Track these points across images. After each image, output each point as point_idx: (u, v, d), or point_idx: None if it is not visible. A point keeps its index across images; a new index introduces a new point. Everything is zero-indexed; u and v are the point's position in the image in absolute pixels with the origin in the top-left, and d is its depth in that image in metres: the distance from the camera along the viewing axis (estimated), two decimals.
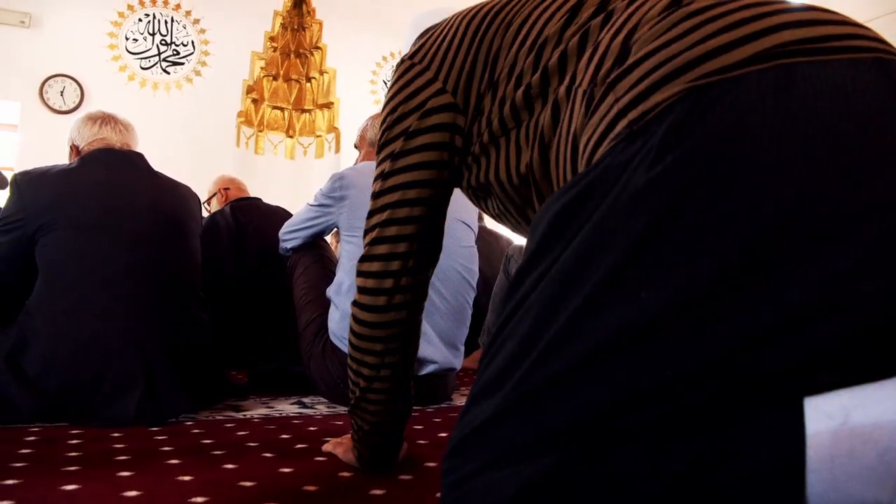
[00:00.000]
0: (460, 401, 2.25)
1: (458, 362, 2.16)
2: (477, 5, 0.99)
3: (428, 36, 1.04)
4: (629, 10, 0.74)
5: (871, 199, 0.54)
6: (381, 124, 1.03)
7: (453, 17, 1.01)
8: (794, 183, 0.55)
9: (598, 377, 0.58)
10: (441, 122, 0.95)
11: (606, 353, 0.58)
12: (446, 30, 0.99)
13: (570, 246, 0.63)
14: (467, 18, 0.96)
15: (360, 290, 1.07)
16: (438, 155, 0.97)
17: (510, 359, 0.65)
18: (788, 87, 0.57)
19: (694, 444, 0.54)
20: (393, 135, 1.01)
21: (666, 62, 0.64)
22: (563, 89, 0.77)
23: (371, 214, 1.06)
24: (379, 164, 1.04)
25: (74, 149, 2.15)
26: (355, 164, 2.33)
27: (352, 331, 1.11)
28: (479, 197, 1.03)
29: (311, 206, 2.22)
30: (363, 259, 1.06)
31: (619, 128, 0.64)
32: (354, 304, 1.10)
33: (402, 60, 1.04)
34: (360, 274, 1.07)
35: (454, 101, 0.94)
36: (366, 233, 1.06)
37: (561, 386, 0.59)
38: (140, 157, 2.11)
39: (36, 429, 1.65)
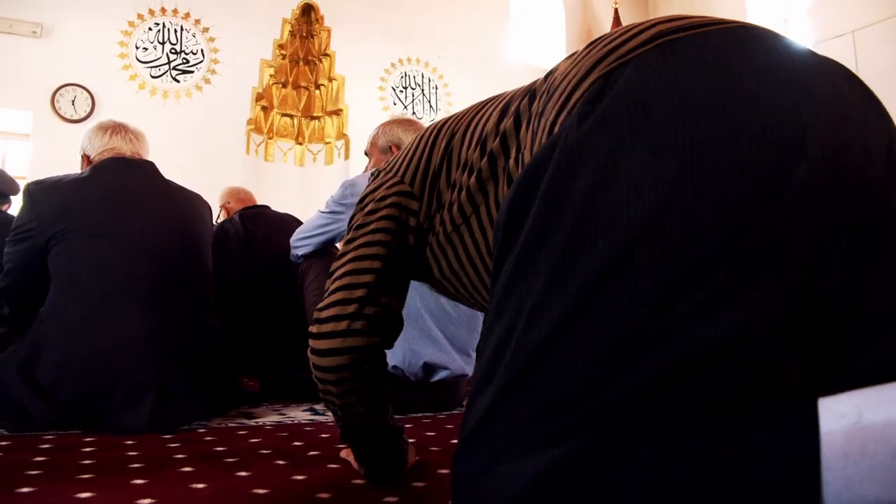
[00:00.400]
0: None
1: (469, 369, 2.15)
2: (433, 123, 1.13)
3: (396, 153, 1.18)
4: (549, 81, 0.82)
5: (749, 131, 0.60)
6: (350, 220, 1.13)
7: (417, 135, 1.15)
8: (689, 129, 0.61)
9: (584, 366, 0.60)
10: (395, 202, 1.06)
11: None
12: (410, 144, 1.13)
13: (525, 226, 0.67)
14: (426, 133, 1.11)
15: (315, 335, 1.08)
16: (389, 223, 1.05)
17: (495, 351, 0.67)
18: (673, 52, 0.67)
19: (710, 441, 0.54)
20: (356, 220, 1.11)
21: (578, 66, 0.75)
22: (511, 162, 0.86)
23: (331, 278, 1.10)
24: (341, 254, 1.11)
25: (86, 158, 2.16)
26: (366, 170, 2.33)
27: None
28: (452, 287, 1.09)
29: (323, 213, 2.23)
30: (321, 307, 1.09)
31: (552, 133, 0.73)
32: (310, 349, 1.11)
33: (372, 173, 1.18)
34: (315, 320, 1.09)
35: (410, 189, 1.05)
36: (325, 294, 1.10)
37: (543, 376, 0.61)
38: (151, 165, 2.12)
39: (50, 437, 1.66)
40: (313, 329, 1.08)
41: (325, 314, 1.05)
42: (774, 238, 0.58)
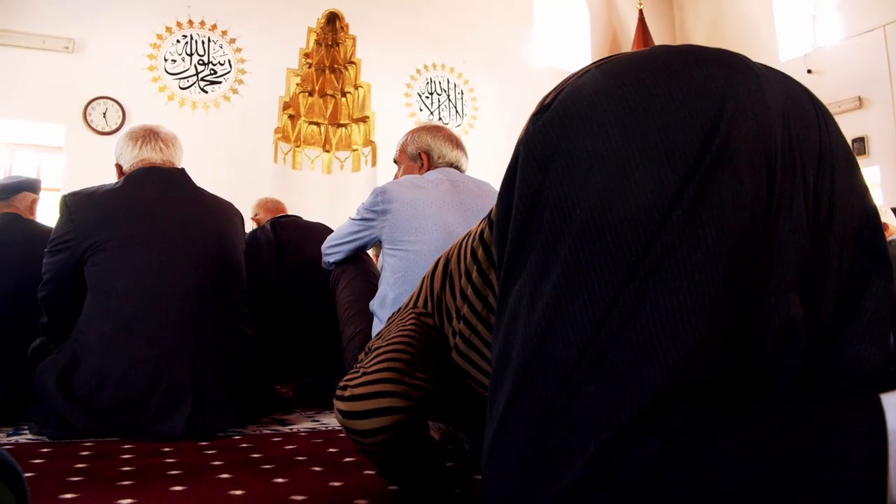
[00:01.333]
0: None
1: None
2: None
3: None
4: None
5: None
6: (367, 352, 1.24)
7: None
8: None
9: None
10: (414, 315, 1.21)
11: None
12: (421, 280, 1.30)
13: (510, 229, 0.71)
14: (427, 273, 1.27)
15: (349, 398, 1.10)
16: (419, 326, 1.18)
17: (503, 345, 0.68)
18: (600, 67, 0.72)
19: (778, 439, 0.53)
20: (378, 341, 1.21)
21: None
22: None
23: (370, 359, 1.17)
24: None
25: (119, 168, 2.18)
26: (395, 178, 2.33)
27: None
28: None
29: (354, 220, 2.23)
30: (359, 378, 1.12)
31: None
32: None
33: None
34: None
35: (425, 310, 1.21)
36: None
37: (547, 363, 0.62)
38: (184, 174, 2.14)
39: (89, 444, 1.68)
40: (345, 393, 1.08)
41: (372, 375, 1.07)
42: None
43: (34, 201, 2.74)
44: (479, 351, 1.04)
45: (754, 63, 0.70)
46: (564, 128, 0.67)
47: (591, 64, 0.75)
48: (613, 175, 0.62)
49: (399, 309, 1.27)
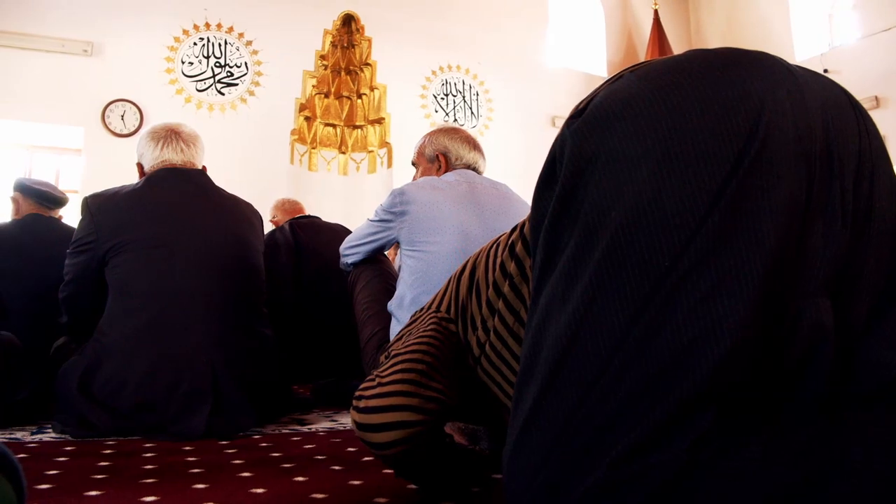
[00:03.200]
0: None
1: None
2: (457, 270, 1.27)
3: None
4: None
5: None
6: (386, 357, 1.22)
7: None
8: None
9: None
10: (436, 320, 1.18)
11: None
12: (441, 288, 1.28)
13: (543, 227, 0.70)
14: (453, 276, 1.25)
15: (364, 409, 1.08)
16: (440, 332, 1.16)
17: (533, 343, 0.68)
18: (634, 72, 0.71)
19: (802, 450, 0.53)
20: (397, 346, 1.19)
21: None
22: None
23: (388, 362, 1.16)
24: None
25: (140, 167, 2.20)
26: (414, 180, 2.34)
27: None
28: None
29: (372, 221, 2.24)
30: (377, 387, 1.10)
31: None
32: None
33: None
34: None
35: (447, 315, 1.18)
36: None
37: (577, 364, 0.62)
38: (204, 175, 2.16)
39: (111, 442, 1.70)
40: (360, 404, 1.07)
41: (388, 388, 1.05)
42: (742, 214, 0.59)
43: (60, 218, 2.83)
44: (509, 365, 1.03)
45: (792, 65, 0.69)
46: (600, 131, 0.66)
47: (626, 69, 0.73)
48: (649, 179, 0.61)
49: (421, 309, 1.25)
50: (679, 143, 0.61)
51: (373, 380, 1.08)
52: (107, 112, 5.46)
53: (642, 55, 8.04)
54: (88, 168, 5.37)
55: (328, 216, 3.43)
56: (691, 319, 0.57)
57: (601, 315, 0.61)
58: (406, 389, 1.03)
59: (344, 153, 6.51)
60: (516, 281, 0.98)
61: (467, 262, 1.20)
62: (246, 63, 6.04)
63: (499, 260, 1.05)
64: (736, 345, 0.56)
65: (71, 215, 2.89)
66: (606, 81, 0.74)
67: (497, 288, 1.04)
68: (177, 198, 2.03)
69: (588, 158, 0.66)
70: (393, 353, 1.13)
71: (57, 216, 2.80)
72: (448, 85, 6.87)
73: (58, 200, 2.76)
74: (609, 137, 0.65)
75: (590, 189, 0.65)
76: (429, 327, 1.15)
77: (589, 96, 0.73)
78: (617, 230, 0.61)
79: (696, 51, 0.70)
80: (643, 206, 0.61)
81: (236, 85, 5.98)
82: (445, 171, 2.29)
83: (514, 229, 1.04)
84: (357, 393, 1.08)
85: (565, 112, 7.68)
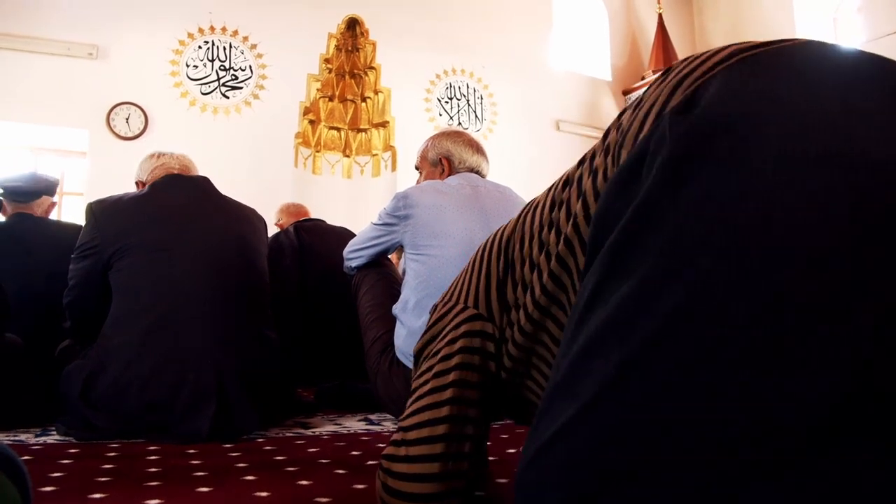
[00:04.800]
0: None
1: None
2: (478, 250, 1.08)
3: (451, 285, 1.11)
4: (618, 133, 0.77)
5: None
6: (415, 359, 1.08)
7: (466, 264, 1.11)
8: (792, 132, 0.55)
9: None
10: (467, 331, 0.99)
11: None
12: (463, 271, 1.09)
13: (616, 230, 0.60)
14: (474, 258, 1.06)
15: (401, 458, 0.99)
16: (471, 358, 0.98)
17: (577, 362, 0.60)
18: (758, 63, 0.63)
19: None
20: (425, 358, 1.04)
21: (656, 93, 0.70)
22: (581, 221, 0.80)
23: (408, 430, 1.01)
24: (414, 388, 1.04)
25: (140, 184, 2.24)
26: (417, 183, 2.34)
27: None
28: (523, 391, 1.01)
29: (376, 224, 2.25)
30: (401, 459, 1.00)
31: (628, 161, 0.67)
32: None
33: (430, 309, 1.12)
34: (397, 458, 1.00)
35: (477, 311, 0.99)
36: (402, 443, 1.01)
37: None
38: (206, 181, 2.17)
39: (115, 445, 1.70)
40: (395, 468, 0.99)
41: (412, 438, 0.97)
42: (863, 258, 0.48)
43: (52, 205, 2.80)
44: (550, 350, 0.92)
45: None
46: (720, 132, 0.56)
47: (719, 63, 0.65)
48: (777, 188, 0.52)
49: (443, 302, 1.08)
50: (818, 148, 0.52)
51: (399, 440, 1.00)
52: (112, 115, 5.47)
53: (646, 59, 8.04)
54: (93, 171, 5.38)
55: (332, 219, 3.44)
56: (800, 360, 0.47)
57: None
58: (433, 465, 0.96)
59: (348, 156, 6.52)
60: (562, 253, 0.83)
61: (489, 245, 1.04)
62: (250, 66, 6.05)
63: (544, 239, 0.90)
64: (835, 396, 0.46)
65: (76, 218, 2.91)
66: (695, 73, 0.66)
67: (546, 259, 0.87)
68: (180, 201, 2.04)
69: (699, 162, 0.56)
70: (417, 394, 1.01)
71: (46, 204, 2.75)
72: (452, 88, 6.87)
73: (33, 192, 2.69)
74: (730, 142, 0.55)
75: (687, 207, 0.55)
76: (456, 348, 0.99)
77: (686, 88, 0.65)
78: (728, 246, 0.52)
79: (811, 50, 0.63)
80: (765, 218, 0.51)
81: (241, 88, 6.00)
82: (449, 175, 2.29)
83: (553, 205, 0.88)
84: (386, 452, 1.01)
85: (569, 116, 7.66)
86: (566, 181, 0.88)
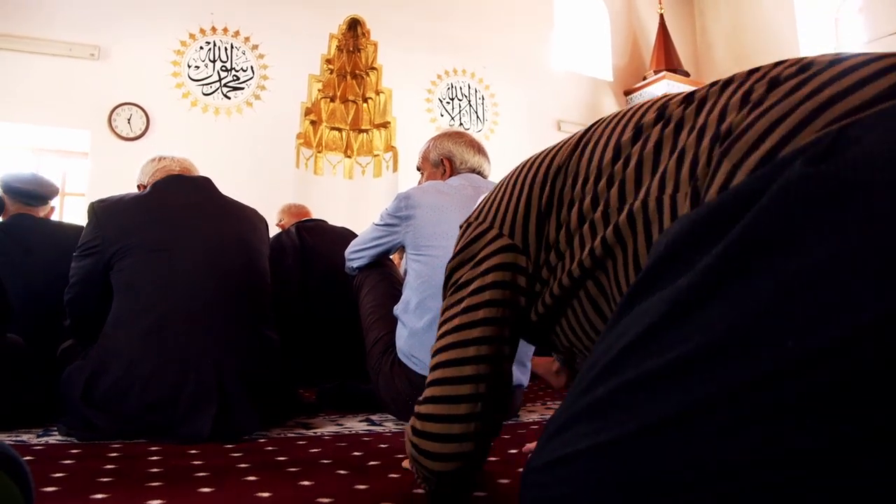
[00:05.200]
0: (528, 417, 2.24)
1: (525, 379, 2.15)
2: (518, 169, 1.01)
3: (485, 199, 1.06)
4: (702, 116, 0.72)
5: None
6: (446, 281, 1.03)
7: (506, 176, 1.04)
8: None
9: None
10: (500, 262, 0.94)
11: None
12: (496, 192, 1.02)
13: (686, 273, 0.54)
14: (515, 180, 0.99)
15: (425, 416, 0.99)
16: (502, 293, 0.94)
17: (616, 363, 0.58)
18: None
19: None
20: (456, 287, 1.00)
21: (785, 116, 0.60)
22: (652, 202, 0.73)
23: (435, 358, 1.00)
24: (442, 321, 1.01)
25: (141, 188, 2.26)
26: (419, 184, 2.34)
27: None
28: (576, 339, 0.96)
29: (377, 225, 2.25)
30: (426, 401, 0.99)
31: (740, 175, 0.60)
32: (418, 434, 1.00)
33: (461, 225, 1.06)
34: (421, 417, 0.99)
35: (512, 242, 0.94)
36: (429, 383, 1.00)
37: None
38: (208, 181, 2.18)
39: (117, 445, 1.70)
40: (421, 409, 0.99)
41: (434, 394, 0.97)
42: None
43: (51, 210, 2.82)
44: (591, 292, 0.86)
45: None
46: (878, 199, 0.45)
47: (876, 100, 0.54)
48: None
49: (476, 222, 1.01)
50: None
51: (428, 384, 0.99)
52: (113, 115, 5.47)
53: (647, 59, 8.04)
54: (95, 171, 5.38)
55: (333, 220, 3.44)
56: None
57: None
58: (458, 412, 0.95)
59: (349, 157, 6.52)
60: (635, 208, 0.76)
61: (534, 169, 0.96)
62: (252, 67, 6.06)
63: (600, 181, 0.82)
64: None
65: (77, 219, 2.91)
66: (843, 106, 0.55)
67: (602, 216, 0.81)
68: (183, 202, 2.04)
69: (823, 240, 0.46)
70: (445, 329, 0.98)
71: (48, 209, 2.78)
72: (454, 89, 6.87)
73: (41, 196, 2.72)
74: (868, 217, 0.45)
75: (769, 297, 0.47)
76: (489, 278, 0.94)
77: (831, 125, 0.54)
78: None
79: None
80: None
81: (242, 89, 6.00)
82: (450, 176, 2.29)
83: (619, 154, 0.80)
84: (416, 409, 1.01)
85: (570, 116, 7.66)
86: (640, 133, 0.79)
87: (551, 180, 0.91)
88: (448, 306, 1.00)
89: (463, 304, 0.96)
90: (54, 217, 2.85)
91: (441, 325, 1.00)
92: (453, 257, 1.02)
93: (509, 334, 0.97)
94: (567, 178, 0.89)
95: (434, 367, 0.98)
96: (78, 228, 2.72)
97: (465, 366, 0.94)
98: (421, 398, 1.00)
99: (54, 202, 2.86)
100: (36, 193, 2.68)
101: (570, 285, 0.88)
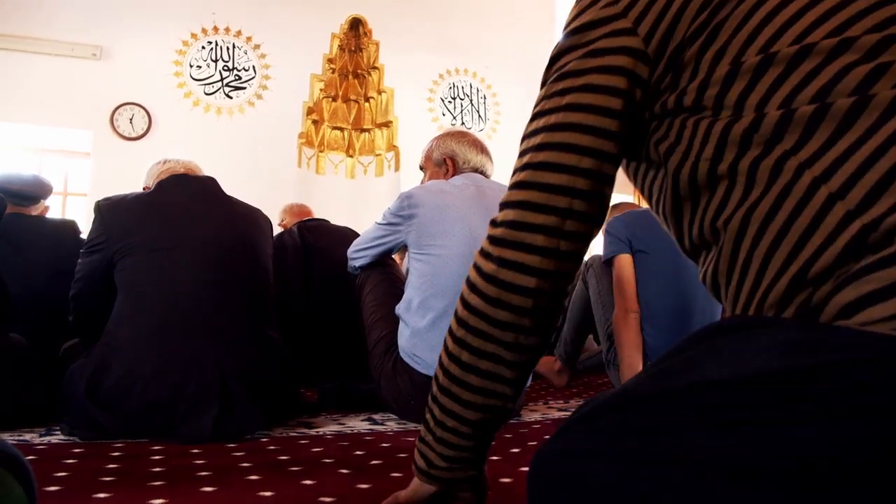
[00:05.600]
0: (529, 416, 2.24)
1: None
2: None
3: None
4: None
5: None
6: (551, 61, 0.82)
7: None
8: None
9: None
10: (619, 66, 0.73)
11: None
12: None
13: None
14: None
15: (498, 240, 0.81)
16: (616, 80, 0.73)
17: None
18: None
19: None
20: (560, 75, 0.79)
21: None
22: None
23: (523, 155, 0.84)
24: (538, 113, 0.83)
25: (147, 189, 2.27)
26: (421, 183, 2.34)
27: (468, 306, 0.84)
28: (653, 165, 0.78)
29: (380, 224, 2.25)
30: (505, 205, 0.83)
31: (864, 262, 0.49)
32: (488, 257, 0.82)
33: None
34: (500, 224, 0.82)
35: (643, 48, 0.72)
36: (512, 186, 0.84)
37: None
38: (212, 181, 2.18)
39: (119, 444, 1.71)
40: (493, 232, 0.82)
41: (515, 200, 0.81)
42: None
43: (45, 209, 2.84)
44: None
45: None
46: None
47: None
48: None
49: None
50: None
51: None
52: (115, 115, 5.48)
53: None
54: (97, 171, 5.38)
55: (336, 219, 3.44)
56: None
57: None
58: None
59: (351, 156, 6.52)
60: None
61: None
62: (254, 67, 6.06)
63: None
64: None
65: (77, 219, 2.92)
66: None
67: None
68: (186, 202, 2.05)
69: None
70: (539, 109, 0.81)
71: (42, 207, 2.80)
72: (455, 88, 6.87)
73: (32, 196, 2.74)
74: None
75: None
76: (598, 79, 0.74)
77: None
78: None
79: None
80: None
81: (244, 88, 6.00)
82: (453, 175, 2.29)
83: None
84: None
85: None
86: None
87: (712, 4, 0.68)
88: (548, 95, 0.80)
89: (566, 99, 0.77)
90: (56, 216, 2.86)
91: (535, 116, 0.83)
92: (566, 27, 0.81)
93: (616, 151, 0.77)
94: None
95: (520, 169, 0.83)
96: (71, 223, 2.75)
97: (561, 174, 0.77)
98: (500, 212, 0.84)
99: (49, 201, 2.88)
100: (24, 193, 2.70)
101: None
